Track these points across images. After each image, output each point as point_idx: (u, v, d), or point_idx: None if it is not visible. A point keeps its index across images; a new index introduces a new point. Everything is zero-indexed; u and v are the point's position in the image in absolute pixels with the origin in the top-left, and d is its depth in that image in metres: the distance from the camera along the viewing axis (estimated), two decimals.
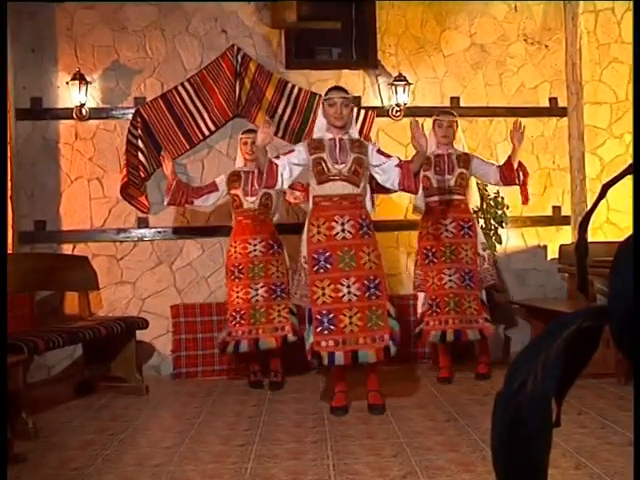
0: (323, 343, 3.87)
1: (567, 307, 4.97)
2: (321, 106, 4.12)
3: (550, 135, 5.87)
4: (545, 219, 5.85)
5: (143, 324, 4.90)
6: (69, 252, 5.37)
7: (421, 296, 4.86)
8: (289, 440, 3.52)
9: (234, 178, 4.85)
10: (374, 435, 3.56)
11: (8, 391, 3.20)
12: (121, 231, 5.45)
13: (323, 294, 3.89)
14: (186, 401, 4.57)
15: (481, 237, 4.83)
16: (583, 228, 0.86)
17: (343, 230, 3.92)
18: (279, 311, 4.74)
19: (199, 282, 5.52)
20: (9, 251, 4.79)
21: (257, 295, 4.72)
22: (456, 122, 4.85)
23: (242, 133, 4.96)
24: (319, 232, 3.94)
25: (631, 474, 2.70)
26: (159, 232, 5.49)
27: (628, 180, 0.85)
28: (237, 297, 4.74)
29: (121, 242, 5.45)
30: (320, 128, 4.11)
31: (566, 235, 5.83)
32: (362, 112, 5.54)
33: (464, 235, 4.72)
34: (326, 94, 4.05)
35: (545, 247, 5.86)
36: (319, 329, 3.87)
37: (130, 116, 5.37)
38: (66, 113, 5.38)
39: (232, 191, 4.83)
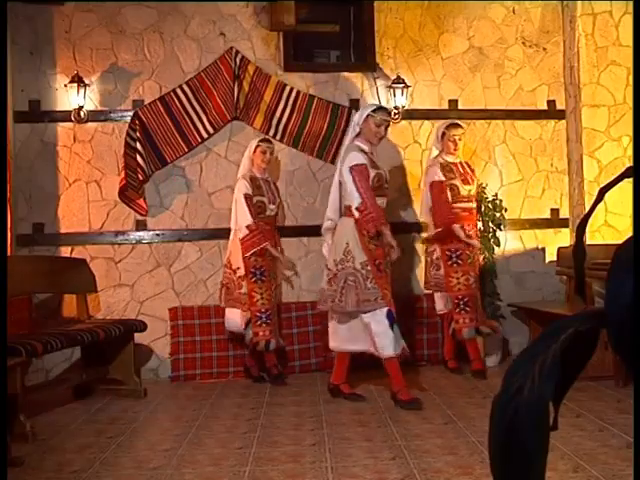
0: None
1: (565, 310, 4.97)
2: (361, 118, 4.30)
3: (548, 138, 5.88)
4: (543, 222, 5.85)
5: (141, 327, 4.90)
6: (67, 255, 5.36)
7: (438, 296, 5.16)
8: (287, 443, 3.51)
9: (258, 184, 4.98)
10: (372, 438, 3.55)
11: (6, 394, 3.20)
12: (119, 234, 5.45)
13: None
14: (184, 404, 4.56)
15: None
16: (581, 231, 0.86)
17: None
18: None
19: (197, 285, 5.51)
20: (7, 254, 4.78)
21: (276, 296, 5.06)
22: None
23: (260, 141, 5.02)
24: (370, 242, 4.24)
25: (630, 477, 2.70)
26: (157, 235, 5.49)
27: (626, 183, 0.85)
28: (261, 298, 4.90)
29: (119, 245, 5.45)
30: (357, 140, 4.33)
31: (564, 238, 5.83)
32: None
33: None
34: (374, 111, 4.28)
35: (543, 250, 5.86)
36: None
37: (128, 119, 5.37)
38: (64, 116, 5.38)
39: (258, 197, 4.96)
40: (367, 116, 4.26)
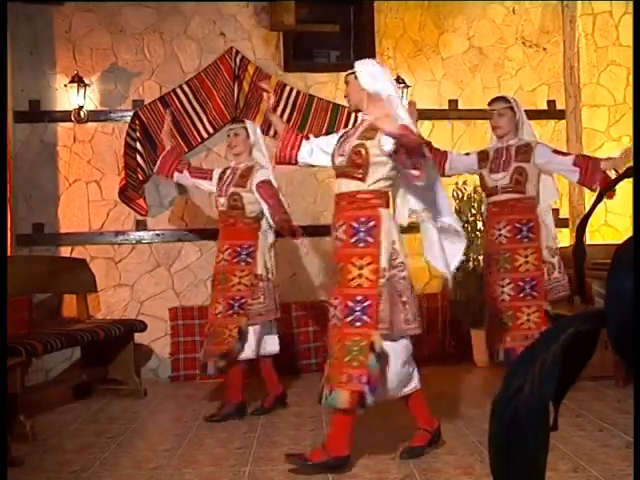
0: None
1: (565, 310, 4.96)
2: None
3: (548, 138, 5.87)
4: None
5: (141, 327, 4.90)
6: (67, 255, 5.36)
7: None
8: (287, 443, 3.51)
9: (222, 175, 4.27)
10: (372, 438, 3.55)
11: (6, 394, 3.20)
12: (119, 234, 5.45)
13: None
14: (184, 404, 4.56)
15: (548, 241, 4.16)
16: (581, 231, 0.86)
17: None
18: (230, 330, 4.02)
19: (197, 285, 5.51)
20: (7, 254, 4.78)
21: (218, 311, 4.11)
22: (511, 108, 4.16)
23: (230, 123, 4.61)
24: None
25: (630, 477, 2.70)
26: (157, 235, 5.49)
27: (626, 183, 0.85)
28: (211, 311, 4.18)
29: (119, 245, 5.45)
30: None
31: (564, 238, 5.83)
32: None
33: (522, 239, 4.09)
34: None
35: None
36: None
37: (128, 119, 5.37)
38: (64, 116, 5.38)
39: (213, 191, 4.32)
40: None
